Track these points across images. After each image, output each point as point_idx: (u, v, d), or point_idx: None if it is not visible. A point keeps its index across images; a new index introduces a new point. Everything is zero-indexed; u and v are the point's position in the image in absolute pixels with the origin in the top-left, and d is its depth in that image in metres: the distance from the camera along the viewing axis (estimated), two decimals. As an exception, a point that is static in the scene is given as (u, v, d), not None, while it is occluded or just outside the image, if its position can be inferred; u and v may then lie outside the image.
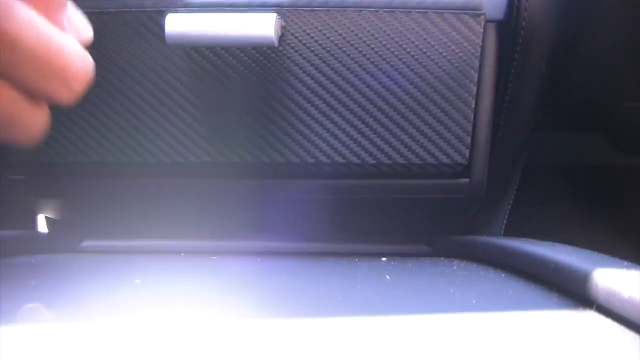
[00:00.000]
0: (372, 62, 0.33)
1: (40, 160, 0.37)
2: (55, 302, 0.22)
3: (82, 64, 0.23)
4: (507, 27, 0.33)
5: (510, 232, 0.46)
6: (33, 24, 0.21)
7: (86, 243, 0.42)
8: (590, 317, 0.20)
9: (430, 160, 0.34)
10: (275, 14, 0.30)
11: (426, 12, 0.32)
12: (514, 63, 0.34)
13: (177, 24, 0.30)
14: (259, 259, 0.36)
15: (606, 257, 0.24)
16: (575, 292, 0.22)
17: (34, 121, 0.23)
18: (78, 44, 0.23)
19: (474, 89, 0.33)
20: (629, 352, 0.17)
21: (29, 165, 0.37)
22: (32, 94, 0.23)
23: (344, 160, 0.35)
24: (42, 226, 0.48)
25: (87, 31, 0.27)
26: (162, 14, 0.31)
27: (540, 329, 0.19)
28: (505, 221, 0.47)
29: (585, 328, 0.19)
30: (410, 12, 0.32)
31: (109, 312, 0.21)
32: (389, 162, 0.35)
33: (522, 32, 0.33)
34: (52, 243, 0.39)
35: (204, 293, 0.25)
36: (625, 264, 0.23)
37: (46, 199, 0.40)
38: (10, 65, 0.21)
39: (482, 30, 0.32)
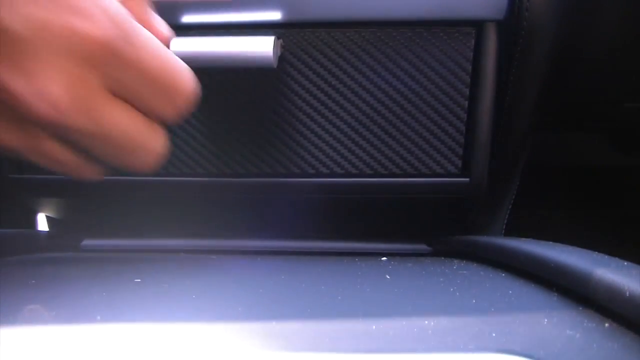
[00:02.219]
0: (367, 78, 0.34)
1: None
2: (55, 302, 0.22)
3: (188, 80, 0.25)
4: (508, 27, 0.33)
5: (510, 232, 0.46)
6: (150, 45, 0.23)
7: (86, 242, 0.42)
8: (590, 317, 0.20)
9: (425, 170, 0.36)
10: (273, 37, 0.31)
11: (420, 29, 0.33)
12: (515, 63, 0.34)
13: (181, 47, 0.31)
14: (259, 258, 0.36)
15: (606, 257, 0.24)
16: (575, 292, 0.22)
17: (153, 142, 0.25)
18: (183, 63, 0.25)
19: (466, 103, 0.34)
20: (629, 352, 0.17)
21: (29, 164, 0.37)
22: (145, 113, 0.24)
23: (342, 171, 0.36)
24: (42, 225, 0.48)
25: (169, 32, 0.28)
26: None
27: (540, 329, 0.19)
28: (505, 221, 0.47)
29: (585, 328, 0.19)
30: (405, 30, 0.33)
31: (109, 312, 0.21)
32: (385, 172, 0.36)
33: (523, 32, 0.33)
34: (52, 242, 0.39)
35: (204, 292, 0.25)
36: (625, 264, 0.23)
37: (46, 198, 0.40)
38: (130, 84, 0.23)
39: (472, 47, 0.33)
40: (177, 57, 0.25)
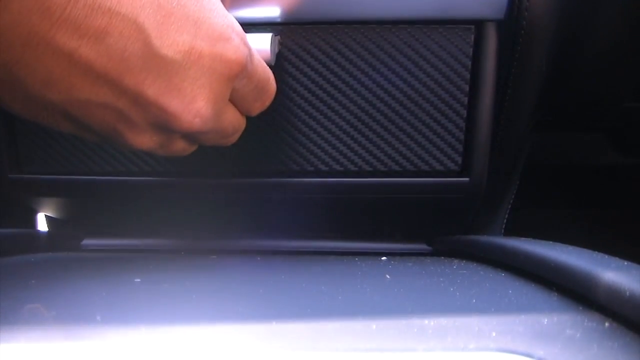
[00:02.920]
0: (366, 75, 0.34)
1: (41, 159, 0.37)
2: (55, 301, 0.22)
3: (273, 83, 0.30)
4: (508, 27, 0.33)
5: (510, 232, 0.46)
6: (257, 57, 0.28)
7: (86, 242, 0.42)
8: (590, 317, 0.20)
9: (425, 167, 0.36)
10: (271, 34, 0.31)
11: (419, 26, 0.33)
12: (514, 63, 0.34)
13: None
14: (258, 258, 0.36)
15: (606, 257, 0.24)
16: (575, 292, 0.22)
17: (241, 128, 0.30)
18: (269, 68, 0.30)
19: (465, 99, 0.34)
20: (629, 352, 0.17)
21: (29, 164, 0.37)
22: (241, 110, 0.29)
23: (341, 168, 0.36)
24: (42, 225, 0.48)
25: None
26: None
27: (540, 329, 0.19)
28: (505, 221, 0.47)
29: (585, 328, 0.19)
30: (404, 27, 0.33)
31: (109, 312, 0.21)
32: (385, 169, 0.36)
33: (523, 31, 0.33)
34: (53, 242, 0.39)
35: (203, 292, 0.25)
36: (625, 263, 0.23)
37: (46, 198, 0.40)
38: (242, 91, 0.28)
39: (472, 43, 0.33)
40: (267, 68, 0.29)
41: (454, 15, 0.32)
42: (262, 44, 0.30)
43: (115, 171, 0.37)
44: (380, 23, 0.33)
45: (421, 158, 0.35)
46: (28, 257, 0.34)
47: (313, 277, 0.29)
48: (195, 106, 0.24)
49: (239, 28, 0.26)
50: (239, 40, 0.25)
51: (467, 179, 0.36)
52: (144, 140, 0.26)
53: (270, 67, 0.33)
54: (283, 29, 0.33)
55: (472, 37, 0.33)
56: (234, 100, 0.28)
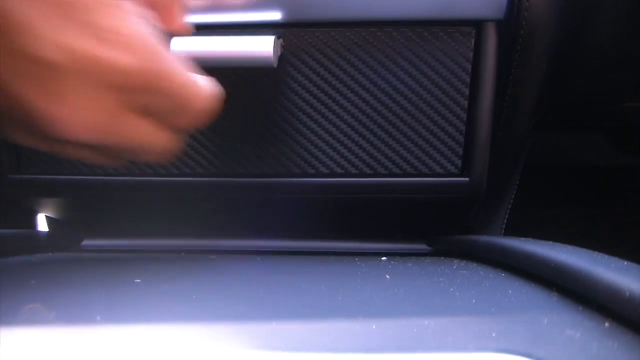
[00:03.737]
0: (368, 78, 0.34)
1: (41, 159, 0.37)
2: (55, 302, 0.22)
3: (203, 96, 0.26)
4: (508, 27, 0.33)
5: (510, 232, 0.46)
6: (170, 70, 0.24)
7: (86, 242, 0.42)
8: (590, 317, 0.20)
9: (425, 170, 0.36)
10: (273, 37, 0.31)
11: (420, 29, 0.33)
12: (514, 63, 0.34)
13: (181, 47, 0.31)
14: (258, 258, 0.36)
15: (606, 257, 0.24)
16: (575, 292, 0.22)
17: (163, 144, 0.26)
18: (206, 80, 0.26)
19: (465, 100, 0.34)
20: (629, 352, 0.17)
21: (29, 164, 0.37)
22: (162, 125, 0.26)
23: (342, 171, 0.36)
24: (42, 225, 0.48)
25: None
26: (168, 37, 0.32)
27: (540, 329, 0.19)
28: (505, 221, 0.47)
29: (585, 328, 0.19)
30: (405, 29, 0.33)
31: (109, 312, 0.21)
32: (385, 172, 0.36)
33: (522, 31, 0.33)
34: (53, 242, 0.39)
35: (204, 292, 0.25)
36: (625, 263, 0.23)
37: (46, 198, 0.40)
38: (150, 106, 0.24)
39: (472, 43, 0.33)
40: (195, 75, 0.26)
41: (454, 15, 0.32)
42: (264, 46, 0.30)
43: (115, 171, 0.37)
44: (380, 23, 0.33)
45: (421, 161, 0.36)
46: (28, 257, 0.34)
47: (313, 277, 0.29)
48: (72, 114, 0.22)
49: (139, 33, 0.23)
50: (129, 47, 0.22)
51: (467, 179, 0.36)
52: (31, 142, 0.24)
53: (273, 69, 0.33)
54: (285, 31, 0.33)
55: (472, 37, 0.33)
56: (145, 115, 0.25)
